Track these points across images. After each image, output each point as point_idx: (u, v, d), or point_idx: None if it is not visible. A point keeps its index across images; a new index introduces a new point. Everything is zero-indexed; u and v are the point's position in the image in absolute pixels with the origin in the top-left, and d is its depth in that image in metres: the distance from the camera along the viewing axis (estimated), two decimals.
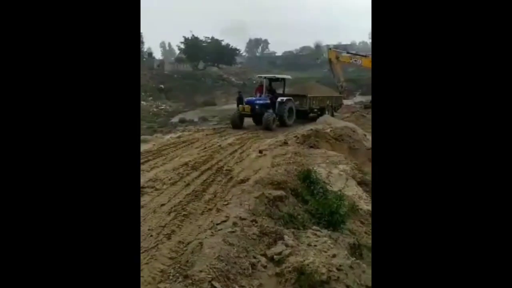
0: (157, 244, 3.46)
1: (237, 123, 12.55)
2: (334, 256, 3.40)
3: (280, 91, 14.18)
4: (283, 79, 14.25)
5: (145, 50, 57.07)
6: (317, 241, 3.72)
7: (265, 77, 14.04)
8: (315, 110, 15.66)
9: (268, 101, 12.76)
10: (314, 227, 4.20)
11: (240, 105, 12.82)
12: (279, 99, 12.97)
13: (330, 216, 4.53)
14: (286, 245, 3.50)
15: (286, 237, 3.66)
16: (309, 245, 3.63)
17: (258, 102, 12.57)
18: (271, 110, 12.46)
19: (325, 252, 3.48)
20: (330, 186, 5.97)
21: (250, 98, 13.26)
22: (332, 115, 15.93)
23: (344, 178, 6.64)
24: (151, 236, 3.64)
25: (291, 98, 13.56)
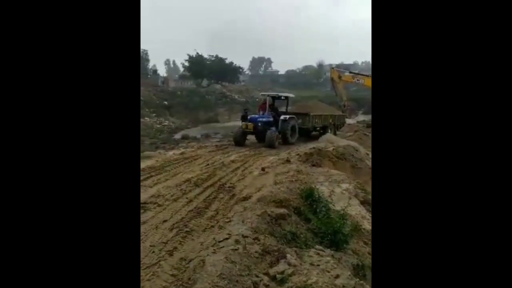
0: (159, 261, 3.43)
1: (239, 140, 12.57)
2: (337, 276, 3.36)
3: (283, 109, 14.29)
4: (286, 97, 14.37)
5: (150, 67, 58.05)
6: (320, 260, 3.68)
7: (268, 95, 14.15)
8: (318, 128, 15.71)
9: (271, 119, 12.81)
10: (317, 246, 4.16)
11: (243, 122, 12.86)
12: (282, 117, 13.02)
13: (333, 235, 4.49)
14: (289, 264, 3.47)
15: (288, 256, 3.63)
16: (312, 264, 3.59)
17: (261, 119, 12.63)
18: (274, 128, 12.50)
19: (328, 272, 3.44)
20: (333, 205, 5.92)
21: (253, 115, 13.33)
22: (335, 134, 15.94)
23: (347, 197, 6.59)
24: (153, 252, 3.61)
25: (294, 116, 13.63)
